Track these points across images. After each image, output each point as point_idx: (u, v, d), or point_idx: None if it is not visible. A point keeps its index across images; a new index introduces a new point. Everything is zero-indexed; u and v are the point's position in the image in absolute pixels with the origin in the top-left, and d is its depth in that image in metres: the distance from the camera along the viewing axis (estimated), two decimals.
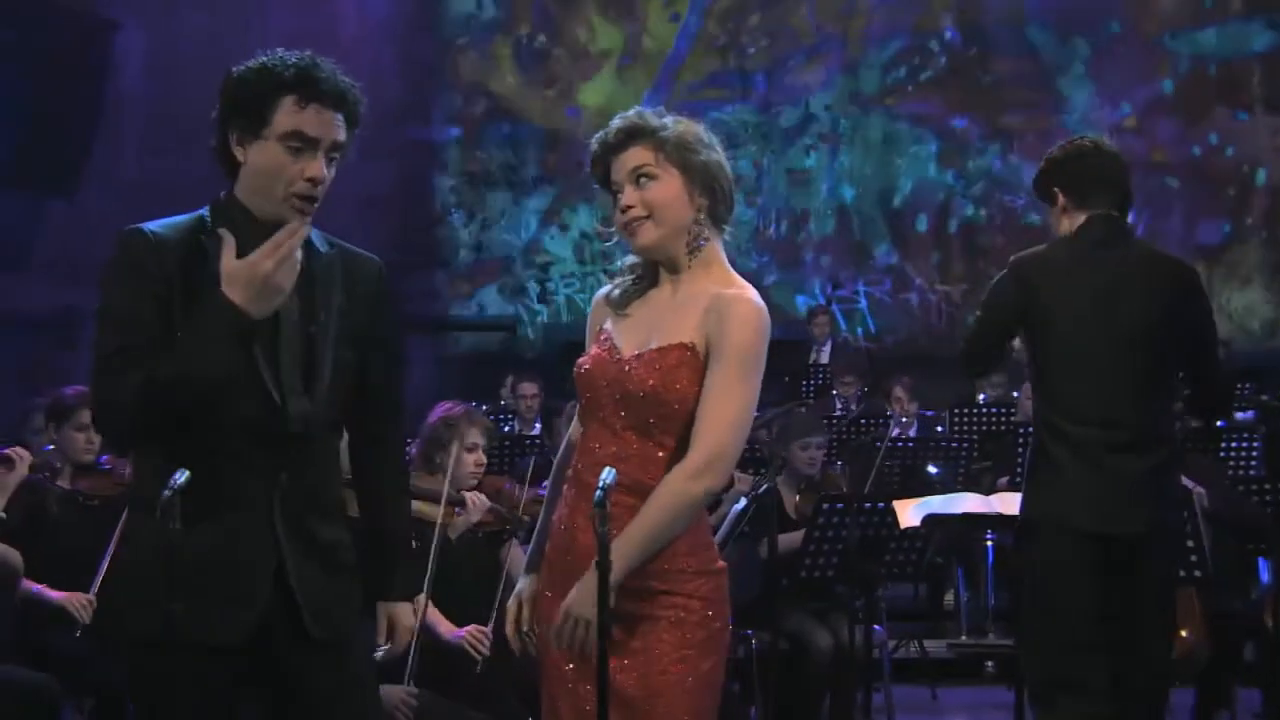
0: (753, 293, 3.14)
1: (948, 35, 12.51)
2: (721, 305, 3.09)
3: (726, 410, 3.06)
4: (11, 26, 10.56)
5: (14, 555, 5.16)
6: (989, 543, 7.86)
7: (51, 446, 5.76)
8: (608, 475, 2.89)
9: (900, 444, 8.31)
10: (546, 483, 3.91)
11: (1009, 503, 5.57)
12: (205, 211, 2.97)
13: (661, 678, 3.04)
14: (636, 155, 3.15)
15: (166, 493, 2.79)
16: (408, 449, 5.04)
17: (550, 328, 12.64)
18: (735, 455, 3.11)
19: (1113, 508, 4.12)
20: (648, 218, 3.14)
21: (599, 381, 3.14)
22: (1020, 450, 7.54)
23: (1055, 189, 4.34)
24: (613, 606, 2.94)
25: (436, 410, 5.26)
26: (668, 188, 3.13)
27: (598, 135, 3.22)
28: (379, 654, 3.24)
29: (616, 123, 3.19)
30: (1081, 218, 4.28)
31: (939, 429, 8.92)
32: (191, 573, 2.85)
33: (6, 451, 5.40)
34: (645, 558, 3.01)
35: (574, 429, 3.34)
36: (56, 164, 10.75)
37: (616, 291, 3.28)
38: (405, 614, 3.24)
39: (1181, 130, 12.56)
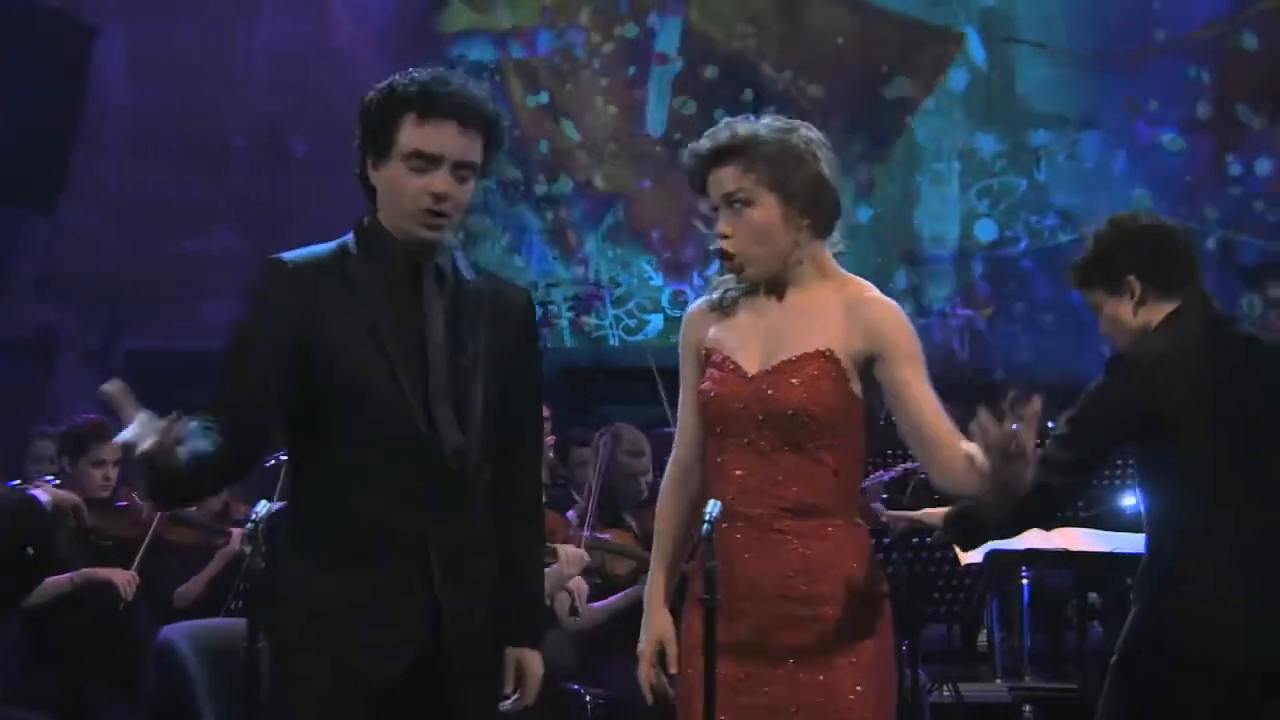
0: (878, 291, 3.18)
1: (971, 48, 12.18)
2: (867, 310, 3.10)
3: (935, 401, 3.05)
4: None
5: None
6: (1024, 581, 7.63)
7: (52, 479, 5.58)
8: (713, 508, 2.90)
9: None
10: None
11: (1072, 538, 5.44)
12: (350, 236, 3.04)
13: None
14: (730, 177, 3.06)
15: (249, 525, 2.87)
16: None
17: (552, 353, 12.25)
18: None
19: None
20: (737, 254, 3.07)
21: (733, 404, 3.08)
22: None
23: (1130, 277, 3.77)
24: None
25: None
26: (765, 214, 3.05)
27: (691, 147, 3.13)
28: (507, 704, 3.15)
29: (708, 139, 3.11)
30: (1167, 307, 3.76)
31: None
32: (347, 611, 2.92)
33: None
34: None
35: (682, 459, 3.28)
36: (34, 178, 10.35)
37: (717, 296, 3.19)
38: (534, 662, 3.17)
39: None
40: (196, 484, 2.79)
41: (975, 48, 12.08)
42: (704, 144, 3.10)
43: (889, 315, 3.10)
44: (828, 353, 3.04)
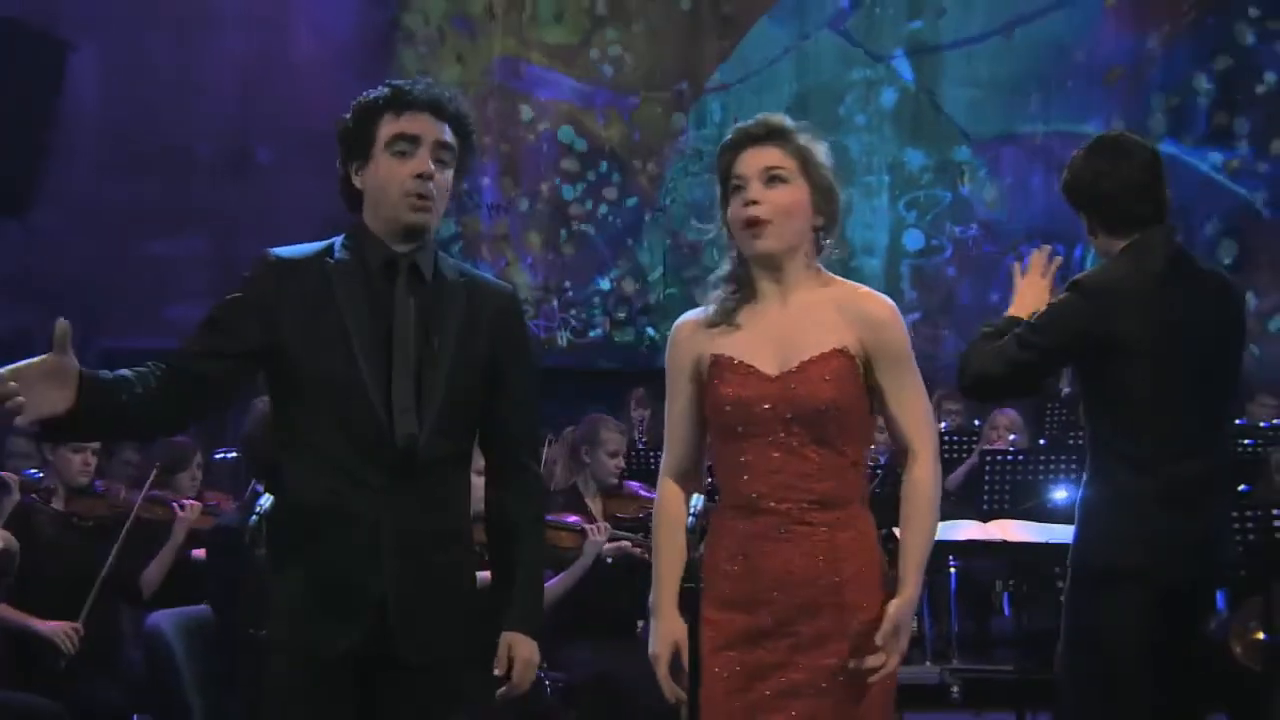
0: (871, 289, 3.28)
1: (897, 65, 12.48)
2: (865, 308, 3.20)
3: (921, 403, 3.21)
4: None
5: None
6: (952, 570, 7.89)
7: (34, 472, 5.77)
8: (697, 501, 2.99)
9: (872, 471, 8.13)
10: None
11: (1008, 530, 5.69)
12: (339, 238, 3.16)
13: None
14: (772, 155, 3.21)
15: (253, 519, 2.93)
16: None
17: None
18: None
19: (1201, 556, 3.90)
20: (768, 222, 3.17)
21: (757, 405, 3.16)
22: (988, 481, 7.46)
23: (1082, 213, 4.05)
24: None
25: None
26: (796, 194, 3.21)
27: (739, 125, 3.27)
28: (500, 691, 3.17)
29: (761, 117, 3.26)
30: (1121, 242, 3.97)
31: None
32: (303, 585, 3.00)
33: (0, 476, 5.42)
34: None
35: (676, 467, 3.33)
36: (8, 184, 10.57)
37: (713, 311, 3.27)
38: (524, 647, 3.18)
39: None
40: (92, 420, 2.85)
41: (904, 69, 12.43)
42: (758, 121, 3.24)
43: (883, 314, 3.20)
44: (844, 350, 3.15)
